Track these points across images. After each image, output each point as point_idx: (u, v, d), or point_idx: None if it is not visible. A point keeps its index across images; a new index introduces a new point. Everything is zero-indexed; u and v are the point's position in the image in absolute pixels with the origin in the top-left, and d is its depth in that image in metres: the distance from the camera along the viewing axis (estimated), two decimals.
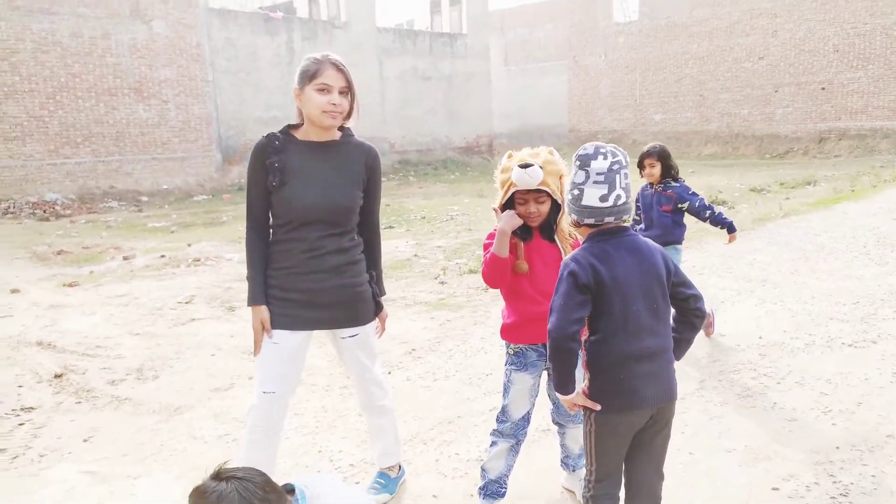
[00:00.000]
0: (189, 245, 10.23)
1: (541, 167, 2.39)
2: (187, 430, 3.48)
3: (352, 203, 2.51)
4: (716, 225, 4.49)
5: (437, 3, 24.49)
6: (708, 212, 4.45)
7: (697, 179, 19.52)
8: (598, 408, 2.06)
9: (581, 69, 28.24)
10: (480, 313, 5.48)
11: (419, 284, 7.26)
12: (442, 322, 5.34)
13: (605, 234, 2.06)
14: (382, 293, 2.74)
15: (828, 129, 23.58)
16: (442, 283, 7.36)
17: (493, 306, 5.65)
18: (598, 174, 2.00)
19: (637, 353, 2.03)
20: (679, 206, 4.46)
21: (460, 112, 23.54)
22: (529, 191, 2.41)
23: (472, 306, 5.75)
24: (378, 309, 2.69)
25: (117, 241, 11.26)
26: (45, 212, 14.46)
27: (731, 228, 4.45)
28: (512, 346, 2.61)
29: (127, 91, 16.28)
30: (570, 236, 2.55)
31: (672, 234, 4.50)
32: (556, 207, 2.50)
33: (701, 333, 4.65)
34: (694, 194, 4.49)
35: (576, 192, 2.05)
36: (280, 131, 2.54)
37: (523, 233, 2.51)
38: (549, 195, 2.43)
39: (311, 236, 2.46)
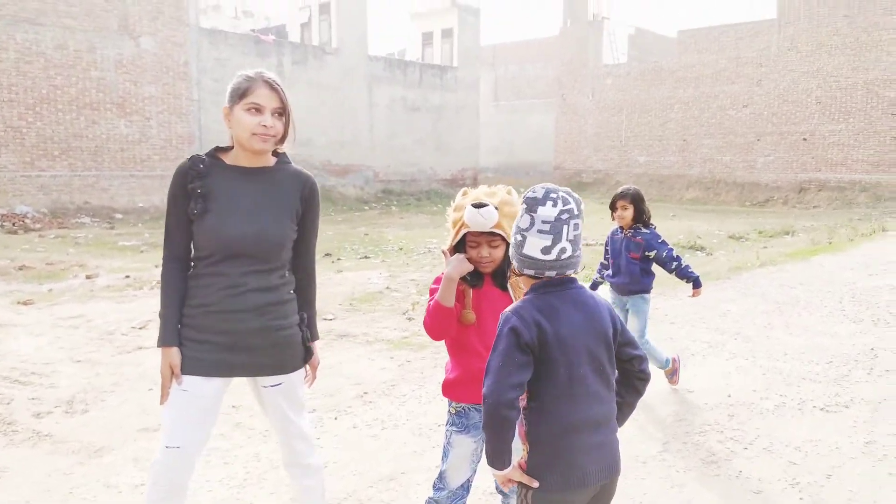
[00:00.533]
0: (156, 266, 9.91)
1: (496, 207, 2.19)
2: (102, 476, 3.17)
3: (281, 236, 2.26)
4: (681, 278, 4.29)
5: (428, 35, 24.62)
6: (675, 263, 4.25)
7: (678, 223, 19.52)
8: (536, 485, 1.80)
9: (569, 107, 28.42)
10: (442, 355, 5.21)
11: (385, 319, 7.00)
12: (401, 363, 5.07)
13: (550, 285, 1.85)
14: (314, 337, 2.49)
15: (808, 179, 23.79)
16: (409, 318, 7.10)
17: None
18: (543, 222, 1.80)
19: (582, 422, 1.80)
20: (647, 254, 4.27)
21: (447, 144, 23.51)
22: (482, 233, 2.20)
23: (435, 347, 5.49)
24: (308, 355, 2.43)
25: (84, 259, 10.91)
26: (13, 224, 14.06)
27: (696, 283, 4.26)
28: (454, 404, 2.36)
29: (109, 106, 16.04)
30: (523, 285, 2.32)
31: (640, 283, 4.30)
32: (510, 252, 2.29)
33: (666, 384, 4.42)
34: (663, 243, 4.30)
35: (518, 237, 1.85)
36: (207, 154, 2.30)
37: (473, 279, 2.29)
38: (503, 239, 2.22)
39: (234, 272, 2.21)
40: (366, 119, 20.94)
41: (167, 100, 16.89)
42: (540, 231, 1.79)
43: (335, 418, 3.89)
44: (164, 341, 2.23)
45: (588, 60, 27.56)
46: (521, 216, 1.85)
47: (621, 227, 4.36)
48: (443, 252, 2.31)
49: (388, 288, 9.23)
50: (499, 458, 1.80)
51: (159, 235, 13.46)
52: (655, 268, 4.34)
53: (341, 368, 4.86)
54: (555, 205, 1.79)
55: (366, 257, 12.26)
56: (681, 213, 22.26)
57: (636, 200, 4.29)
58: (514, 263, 1.89)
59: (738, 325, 6.08)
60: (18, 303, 7.63)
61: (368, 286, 9.40)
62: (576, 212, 1.82)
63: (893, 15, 21.21)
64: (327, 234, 15.52)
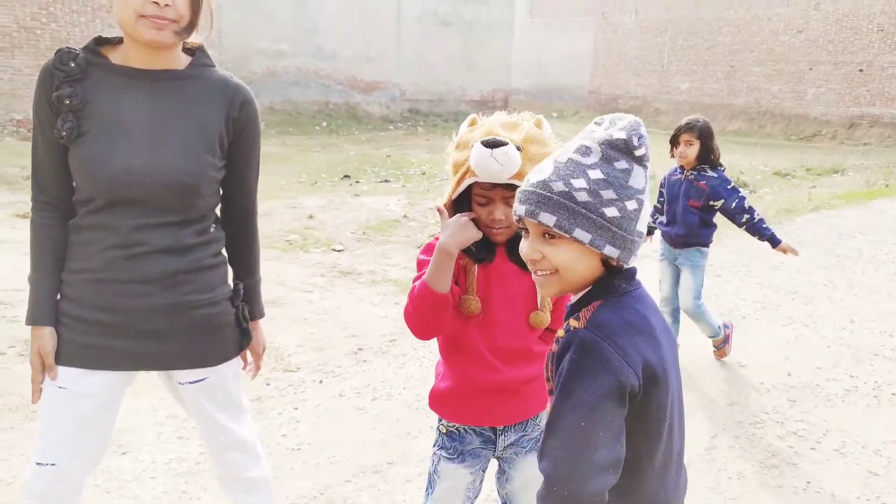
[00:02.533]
0: None
1: (519, 147, 1.43)
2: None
3: (194, 174, 1.52)
4: (754, 234, 3.49)
5: None
6: (746, 216, 3.44)
7: (723, 158, 18.27)
8: None
9: (609, 27, 26.60)
10: None
11: (397, 254, 6.33)
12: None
13: (624, 278, 1.13)
14: (256, 315, 1.80)
15: (860, 113, 22.12)
16: None
17: None
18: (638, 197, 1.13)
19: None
20: (711, 203, 3.46)
21: (478, 62, 22.15)
22: (496, 185, 1.45)
23: None
24: (246, 339, 1.75)
25: None
26: (29, 131, 13.49)
27: (773, 241, 3.44)
28: (444, 422, 1.68)
29: None
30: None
31: (698, 235, 3.52)
32: None
33: (712, 355, 3.72)
34: (733, 190, 3.48)
35: (633, 204, 1.10)
36: (84, 48, 1.54)
37: (480, 250, 1.53)
38: None
39: (125, 224, 1.49)
40: (393, 32, 19.64)
41: None
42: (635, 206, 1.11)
43: (320, 381, 3.26)
44: (34, 318, 1.55)
45: None
46: (633, 170, 1.10)
47: (681, 167, 3.54)
48: (437, 209, 1.54)
49: (405, 216, 8.55)
50: None
51: None
52: (719, 218, 3.54)
53: (338, 315, 4.22)
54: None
55: (386, 181, 11.52)
56: (723, 146, 20.67)
57: (704, 135, 3.45)
58: (613, 250, 1.09)
59: (793, 281, 5.28)
60: (17, 216, 7.11)
61: (385, 213, 8.73)
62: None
63: None
64: (349, 154, 14.75)
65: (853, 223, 7.60)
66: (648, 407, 1.06)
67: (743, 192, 3.52)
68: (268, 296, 4.53)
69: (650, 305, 1.15)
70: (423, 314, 1.49)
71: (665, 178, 3.64)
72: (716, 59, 24.15)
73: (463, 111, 22.21)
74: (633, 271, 1.15)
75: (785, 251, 3.43)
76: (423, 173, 12.47)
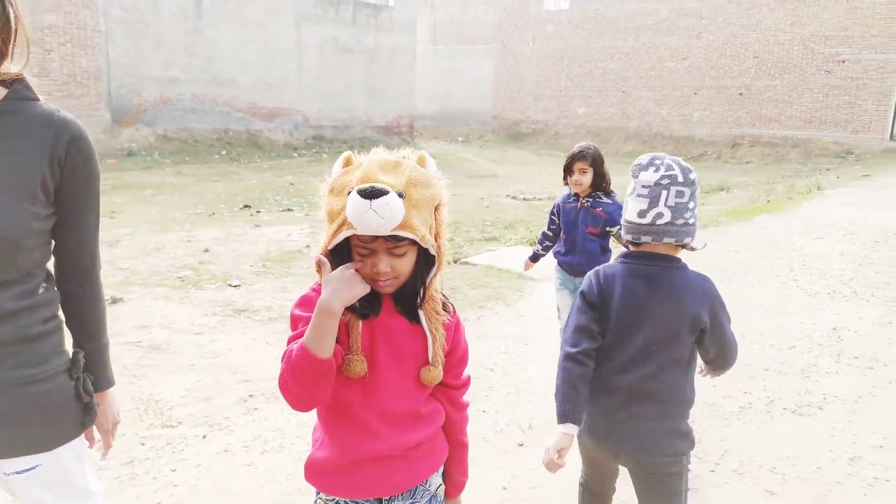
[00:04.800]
0: None
1: (401, 194, 1.28)
2: None
3: (14, 227, 1.29)
4: None
5: None
6: None
7: (615, 179, 18.99)
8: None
9: (509, 54, 27.33)
10: None
11: (297, 287, 6.07)
12: None
13: (639, 257, 1.84)
14: (104, 385, 1.56)
15: (741, 134, 23.64)
16: None
17: None
18: (643, 187, 1.77)
19: (622, 388, 1.85)
20: (608, 229, 3.45)
21: (382, 89, 22.15)
22: (378, 237, 1.30)
23: None
24: (89, 417, 1.51)
25: None
26: None
27: None
28: (322, 496, 1.49)
29: None
30: (441, 312, 1.44)
31: (598, 262, 3.48)
32: (426, 261, 1.39)
33: None
34: None
35: (625, 202, 1.84)
36: None
37: (365, 305, 1.37)
38: (414, 242, 1.32)
39: None
40: (294, 59, 19.33)
41: (70, 30, 14.96)
42: (639, 195, 1.76)
43: (203, 437, 2.98)
44: None
45: (529, 5, 26.40)
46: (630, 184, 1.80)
47: (576, 195, 3.52)
48: (316, 262, 1.36)
49: (307, 246, 8.28)
50: (558, 413, 1.79)
51: None
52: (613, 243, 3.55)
53: (229, 359, 3.94)
54: (657, 170, 1.76)
55: (289, 210, 11.19)
56: (617, 168, 21.60)
57: (597, 162, 3.45)
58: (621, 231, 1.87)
59: None
60: None
61: (287, 244, 8.43)
62: (679, 179, 1.75)
63: None
64: (250, 182, 14.27)
65: (740, 239, 7.98)
66: (603, 317, 1.85)
67: None
68: (151, 341, 4.20)
69: (645, 272, 1.84)
70: (304, 384, 1.29)
71: (558, 206, 3.62)
72: (609, 85, 25.24)
73: (369, 137, 22.09)
74: (649, 255, 1.85)
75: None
76: None
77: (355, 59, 21.09)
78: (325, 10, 19.97)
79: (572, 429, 1.77)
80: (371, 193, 1.24)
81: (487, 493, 2.67)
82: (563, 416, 1.78)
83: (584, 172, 3.40)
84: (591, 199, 3.46)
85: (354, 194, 1.25)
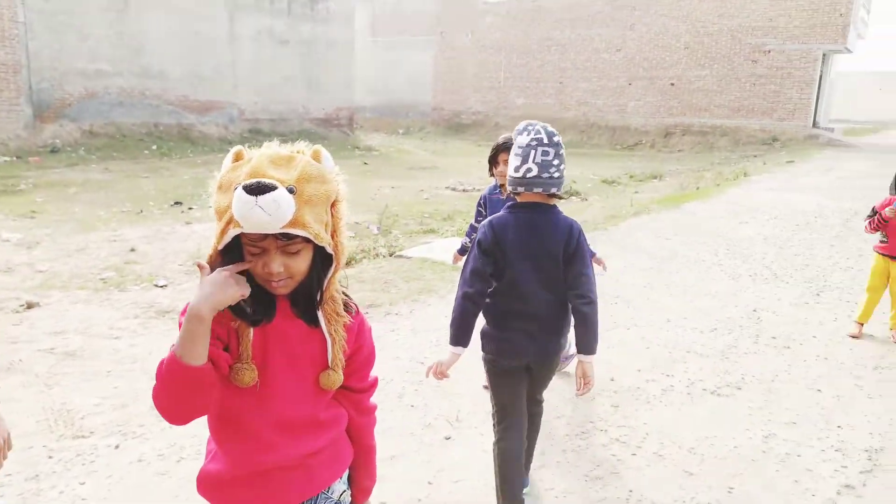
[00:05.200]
0: None
1: (292, 189, 1.22)
2: None
3: None
4: None
5: None
6: None
7: None
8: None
9: (448, 46, 27.29)
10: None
11: None
12: None
13: (522, 206, 2.26)
14: None
15: (674, 123, 24.27)
16: None
17: None
18: (518, 147, 2.21)
19: (516, 312, 2.29)
20: None
21: (320, 81, 21.79)
22: (268, 235, 1.23)
23: None
24: None
25: None
26: None
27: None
28: None
29: None
30: (342, 313, 1.39)
31: None
32: (323, 260, 1.33)
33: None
34: None
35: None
36: None
37: (257, 310, 1.31)
38: (309, 241, 1.27)
39: None
40: (227, 51, 18.79)
41: None
42: (515, 154, 2.21)
43: (116, 446, 2.85)
44: None
45: None
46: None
47: (501, 186, 3.50)
48: (197, 266, 1.29)
49: None
50: (451, 337, 2.25)
51: None
52: None
53: (148, 363, 3.79)
54: (528, 134, 2.19)
55: (211, 207, 10.88)
56: None
57: None
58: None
59: (617, 285, 5.52)
60: None
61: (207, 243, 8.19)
62: (545, 141, 2.18)
63: None
64: (182, 178, 13.83)
65: (669, 226, 8.18)
66: (495, 259, 2.26)
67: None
68: (65, 348, 4.01)
69: (526, 219, 2.26)
70: (175, 394, 1.22)
71: (485, 197, 3.61)
72: (547, 77, 25.52)
73: (307, 130, 21.73)
74: (529, 204, 2.27)
75: (598, 263, 3.52)
76: None
77: (292, 51, 20.67)
78: (260, 1, 19.49)
79: (460, 350, 2.26)
80: (257, 189, 1.18)
81: (413, 489, 2.65)
82: (455, 341, 2.25)
83: (508, 163, 3.39)
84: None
85: (240, 190, 1.19)
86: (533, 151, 2.17)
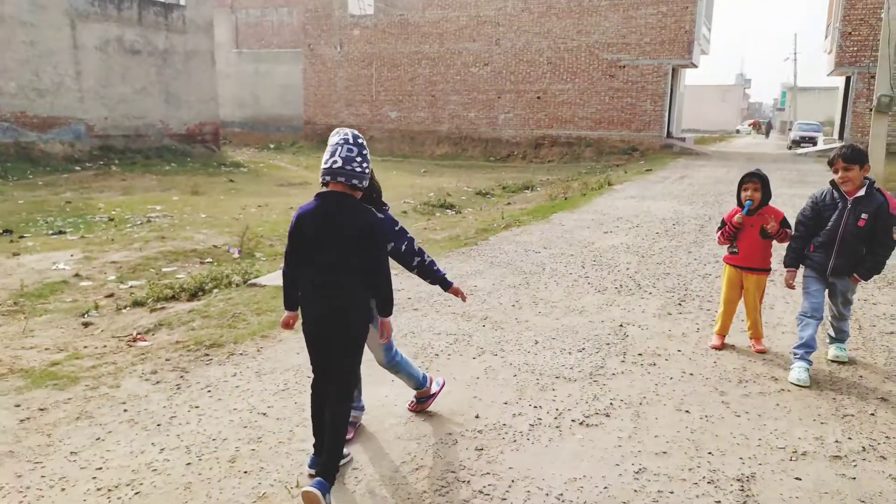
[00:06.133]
0: None
1: None
2: None
3: None
4: (425, 278, 3.18)
5: None
6: (416, 259, 3.11)
7: (429, 180, 19.11)
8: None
9: (317, 59, 26.57)
10: (100, 393, 3.59)
11: (48, 328, 5.08)
12: (29, 414, 3.34)
13: (326, 194, 2.62)
14: None
15: (542, 135, 24.93)
16: (86, 324, 5.26)
17: (128, 375, 3.79)
18: (329, 146, 2.63)
19: (314, 285, 2.67)
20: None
21: (179, 94, 20.42)
22: None
23: (94, 376, 3.82)
24: None
25: None
26: None
27: (444, 284, 3.18)
28: None
29: None
30: None
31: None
32: None
33: (403, 415, 3.33)
34: (402, 232, 3.10)
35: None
36: None
37: None
38: None
39: None
40: (70, 62, 17.11)
41: None
42: (327, 151, 2.62)
43: None
44: None
45: (334, 9, 25.85)
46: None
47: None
48: None
49: (77, 275, 7.14)
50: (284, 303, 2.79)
51: None
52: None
53: None
54: (337, 135, 2.66)
55: (61, 232, 9.69)
56: (432, 169, 22.00)
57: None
58: None
59: (485, 305, 5.24)
60: None
61: (49, 274, 7.20)
62: (350, 141, 2.62)
63: None
64: (17, 202, 12.29)
65: (537, 238, 8.09)
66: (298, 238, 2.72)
67: (410, 233, 3.16)
68: None
69: (325, 204, 2.61)
70: None
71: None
72: (418, 90, 25.45)
73: (167, 146, 20.29)
74: (334, 193, 2.65)
75: (456, 293, 3.19)
76: (111, 220, 10.81)
77: (145, 62, 19.21)
78: (105, 8, 17.94)
79: (292, 312, 2.77)
80: None
81: None
82: (287, 306, 2.77)
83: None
84: None
85: None
86: (340, 148, 2.57)
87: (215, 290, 6.01)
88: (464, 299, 3.28)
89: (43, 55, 16.45)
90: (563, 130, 24.45)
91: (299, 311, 2.75)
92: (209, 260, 8.15)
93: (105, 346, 4.44)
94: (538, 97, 24.38)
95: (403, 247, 3.06)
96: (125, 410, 3.32)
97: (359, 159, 2.59)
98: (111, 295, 6.50)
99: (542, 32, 23.56)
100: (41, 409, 3.37)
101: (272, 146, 28.16)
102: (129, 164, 18.00)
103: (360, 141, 2.64)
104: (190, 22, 20.44)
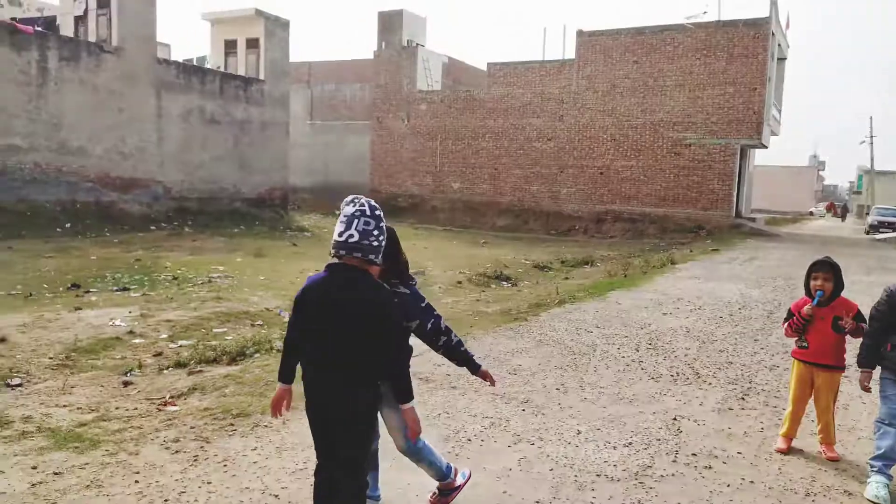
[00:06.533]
0: None
1: None
2: None
3: None
4: (452, 359, 2.95)
5: (232, 43, 22.29)
6: (443, 338, 2.89)
7: (488, 251, 18.99)
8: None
9: (385, 131, 27.40)
10: (117, 460, 3.46)
11: (86, 386, 5.06)
12: (43, 477, 3.23)
13: (336, 267, 2.43)
14: None
15: (605, 210, 24.63)
16: (126, 383, 5.23)
17: (149, 442, 3.66)
18: (344, 216, 2.43)
19: (317, 365, 2.44)
20: (406, 323, 2.85)
21: (252, 161, 21.30)
22: None
23: (117, 441, 3.71)
24: None
25: None
26: None
27: (472, 366, 2.94)
28: None
29: None
30: None
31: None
32: None
33: None
34: (429, 309, 2.89)
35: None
36: None
37: None
38: None
39: None
40: (153, 129, 18.16)
41: None
42: (341, 222, 2.42)
43: None
44: None
45: (403, 85, 26.77)
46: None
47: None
48: None
49: (131, 332, 7.21)
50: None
51: None
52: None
53: None
54: (353, 205, 2.44)
55: (125, 289, 9.95)
56: (492, 241, 21.92)
57: (387, 246, 2.84)
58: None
59: (528, 387, 4.93)
60: None
61: (105, 330, 7.30)
62: (368, 213, 2.42)
63: (674, 62, 22.60)
64: (90, 258, 12.81)
65: (591, 316, 7.74)
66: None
67: (437, 311, 2.96)
68: None
69: (337, 280, 2.42)
70: None
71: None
72: (481, 163, 25.76)
73: (238, 209, 21.03)
74: (342, 266, 2.45)
75: (485, 378, 2.95)
76: (175, 278, 11.07)
77: (223, 130, 20.20)
78: (189, 81, 19.11)
79: (285, 385, 2.55)
80: None
81: None
82: (280, 377, 2.56)
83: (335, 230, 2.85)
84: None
85: None
86: (356, 221, 2.38)
87: (256, 355, 5.93)
88: (493, 384, 3.02)
89: (129, 121, 17.53)
90: (627, 206, 24.09)
91: (293, 388, 2.54)
92: (259, 322, 8.15)
93: (136, 409, 4.36)
94: (601, 173, 24.23)
95: (429, 325, 2.85)
96: (136, 482, 3.17)
97: (376, 233, 2.40)
98: (159, 353, 6.51)
99: (606, 110, 23.62)
100: (56, 474, 3.27)
101: (337, 212, 28.88)
102: (201, 226, 18.67)
103: (377, 213, 2.44)
104: (267, 95, 21.51)
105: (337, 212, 2.32)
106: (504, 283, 12.81)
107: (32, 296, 9.06)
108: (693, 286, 10.63)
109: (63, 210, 16.54)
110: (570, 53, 24.58)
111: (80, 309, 8.26)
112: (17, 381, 5.28)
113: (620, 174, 23.91)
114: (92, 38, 17.16)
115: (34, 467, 3.33)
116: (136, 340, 7.04)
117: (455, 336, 2.92)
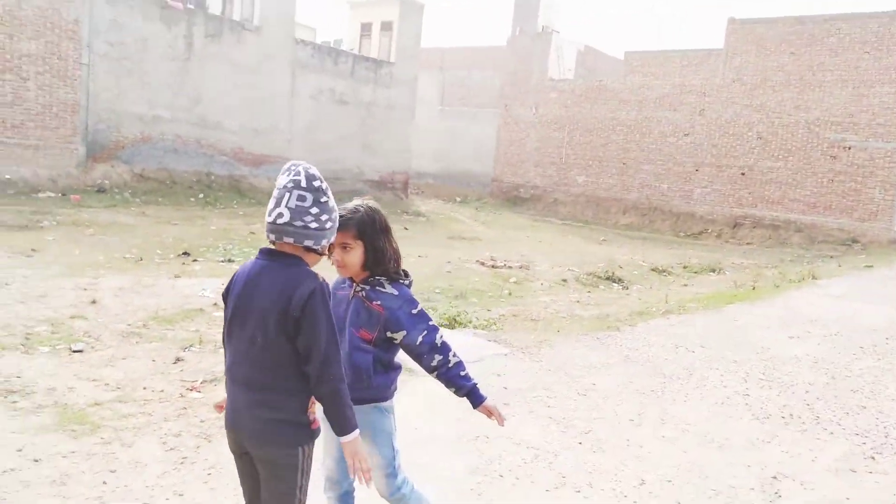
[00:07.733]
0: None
1: None
2: None
3: None
4: (448, 386, 2.28)
5: (367, 26, 22.46)
6: (437, 357, 2.22)
7: (604, 249, 17.79)
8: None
9: (511, 119, 26.64)
10: (105, 451, 3.14)
11: (136, 362, 4.90)
12: (19, 464, 2.95)
13: (263, 253, 1.91)
14: None
15: (743, 214, 22.42)
16: (178, 359, 5.04)
17: (150, 433, 3.32)
18: (276, 189, 1.87)
19: (233, 373, 1.91)
20: (390, 334, 2.22)
21: (376, 143, 21.41)
22: None
23: (118, 428, 3.40)
24: None
25: None
26: None
27: (473, 398, 2.26)
28: None
29: None
30: None
31: (371, 387, 2.24)
32: None
33: None
34: (422, 316, 2.25)
35: None
36: None
37: None
38: None
39: None
40: (286, 107, 18.65)
41: (50, 60, 14.39)
42: (273, 196, 1.85)
43: None
44: None
45: (534, 73, 25.82)
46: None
47: (350, 280, 2.31)
48: None
49: (216, 304, 7.14)
50: None
51: (3, 214, 10.66)
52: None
53: None
54: (287, 175, 1.85)
55: (229, 260, 10.09)
56: (612, 238, 20.61)
57: (367, 231, 2.20)
58: None
59: (595, 413, 4.13)
60: None
61: (192, 300, 7.30)
62: (303, 184, 1.83)
63: (838, 55, 19.95)
64: (210, 228, 13.29)
65: (697, 332, 6.67)
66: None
67: (433, 320, 2.29)
68: None
69: (258, 267, 1.88)
70: None
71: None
72: (609, 156, 24.32)
73: (360, 190, 21.22)
74: (267, 250, 1.92)
75: (489, 414, 2.25)
76: None
77: (350, 112, 20.42)
78: (323, 61, 19.43)
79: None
80: None
81: None
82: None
83: (346, 248, 2.19)
84: (367, 287, 2.24)
85: None
86: (288, 195, 1.83)
87: None
88: (500, 423, 2.30)
89: (264, 99, 18.10)
90: (769, 211, 21.73)
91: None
92: None
93: (162, 391, 4.08)
94: (742, 173, 22.00)
95: (420, 338, 2.19)
96: (105, 483, 2.81)
97: (314, 211, 1.82)
98: (202, 338, 6.35)
99: (753, 105, 21.34)
100: (35, 461, 2.98)
101: (458, 199, 28.55)
102: None
103: (315, 184, 1.85)
104: (396, 77, 21.49)
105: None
106: (614, 284, 11.76)
107: (143, 260, 9.37)
108: (833, 306, 9.08)
109: (198, 181, 17.41)
110: (715, 44, 22.47)
111: (179, 277, 8.38)
112: (79, 346, 5.23)
113: (765, 176, 21.57)
114: (237, 17, 17.85)
115: (19, 450, 3.07)
116: (217, 314, 6.96)
117: (454, 356, 2.25)
